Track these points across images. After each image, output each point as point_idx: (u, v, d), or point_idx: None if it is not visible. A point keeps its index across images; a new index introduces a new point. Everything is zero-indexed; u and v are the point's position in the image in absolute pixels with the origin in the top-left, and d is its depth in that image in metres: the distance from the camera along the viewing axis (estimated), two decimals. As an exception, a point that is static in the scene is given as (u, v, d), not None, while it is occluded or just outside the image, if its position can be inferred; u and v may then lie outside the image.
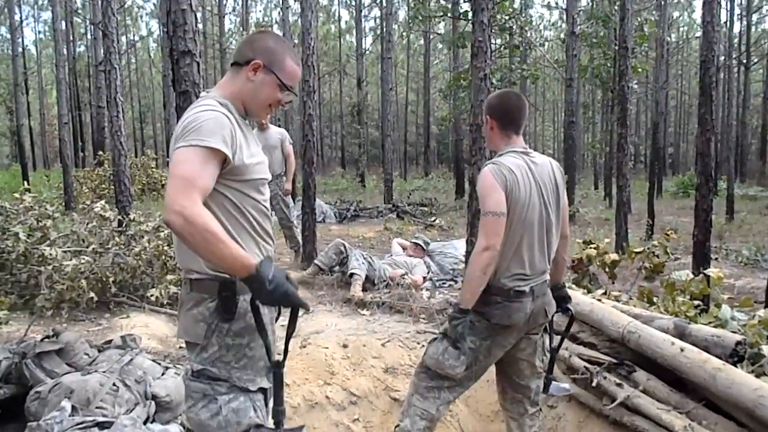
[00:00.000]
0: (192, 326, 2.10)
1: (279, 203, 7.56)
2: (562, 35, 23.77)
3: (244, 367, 2.13)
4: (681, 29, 40.36)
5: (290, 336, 2.18)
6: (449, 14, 16.34)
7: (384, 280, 6.60)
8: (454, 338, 2.92)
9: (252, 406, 2.14)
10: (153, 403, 3.34)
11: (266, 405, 2.23)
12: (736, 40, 26.87)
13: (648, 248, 6.14)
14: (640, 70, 15.64)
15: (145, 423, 3.08)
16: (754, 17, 24.37)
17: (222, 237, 1.91)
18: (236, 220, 2.11)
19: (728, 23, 24.26)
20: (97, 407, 3.09)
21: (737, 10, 26.13)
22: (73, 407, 3.02)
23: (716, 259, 8.74)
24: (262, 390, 2.20)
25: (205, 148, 1.94)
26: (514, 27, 15.85)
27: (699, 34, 7.04)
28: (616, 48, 12.03)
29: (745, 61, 24.05)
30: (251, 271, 1.93)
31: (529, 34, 18.71)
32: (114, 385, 3.26)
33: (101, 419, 2.93)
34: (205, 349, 2.08)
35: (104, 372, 3.35)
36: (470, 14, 5.98)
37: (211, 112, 2.01)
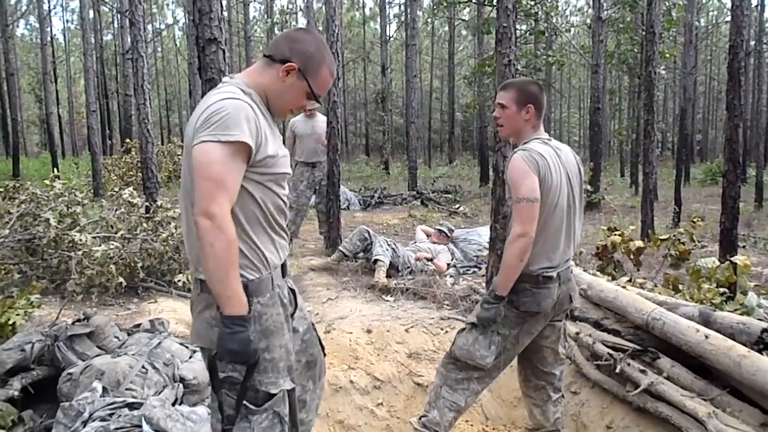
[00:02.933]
0: (205, 331, 2.04)
1: (323, 188, 7.68)
2: (588, 20, 23.49)
3: (265, 370, 2.07)
4: (710, 13, 39.60)
5: (246, 389, 2.05)
6: (474, 0, 16.22)
7: (408, 267, 6.62)
8: (483, 322, 2.93)
9: (279, 421, 2.12)
10: (181, 385, 3.41)
11: (290, 405, 2.19)
12: (767, 25, 26.35)
13: (674, 235, 6.09)
14: (667, 55, 15.43)
15: (173, 405, 3.14)
16: (786, 1, 23.79)
17: (236, 262, 1.91)
18: (255, 217, 2.05)
19: (759, 7, 23.77)
20: (126, 389, 3.16)
21: (769, -6, 25.58)
22: (104, 388, 3.09)
23: (744, 246, 8.64)
24: (284, 392, 2.15)
25: (233, 143, 1.89)
26: (540, 12, 15.71)
27: (729, 18, 6.94)
28: (644, 33, 11.89)
29: (776, 46, 23.54)
30: (242, 311, 1.93)
31: (554, 20, 18.53)
32: (143, 367, 3.33)
33: (131, 400, 3.00)
34: None
35: (133, 355, 3.42)
36: (495, 0, 5.95)
37: (234, 101, 1.94)
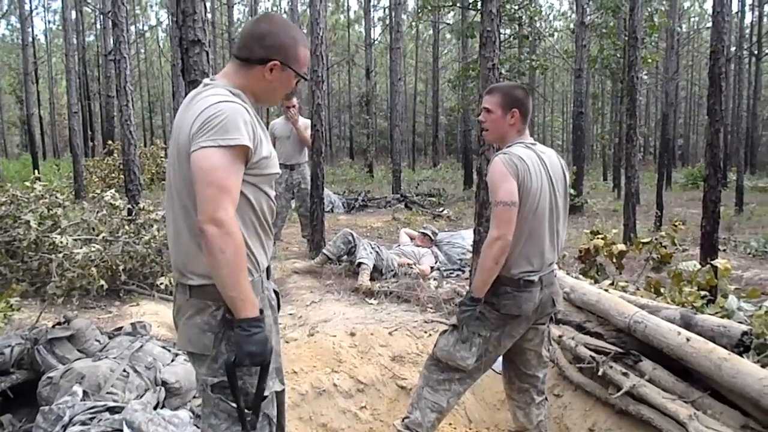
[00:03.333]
0: (197, 337, 2.01)
1: (302, 191, 7.68)
2: (571, 25, 23.67)
3: (256, 372, 2.05)
4: (692, 19, 40.05)
5: (262, 392, 2.05)
6: (458, 4, 16.27)
7: (392, 270, 6.62)
8: (461, 324, 2.95)
9: (268, 423, 2.13)
10: (163, 389, 3.38)
11: (277, 407, 2.21)
12: (747, 31, 26.68)
13: (656, 239, 6.13)
14: (650, 60, 15.56)
15: (155, 408, 3.12)
16: (766, 8, 24.06)
17: (245, 265, 1.91)
18: (249, 219, 2.04)
19: (740, 14, 24.06)
20: (107, 392, 3.13)
21: (749, 0, 25.92)
22: (84, 392, 3.06)
23: (724, 250, 8.73)
24: (273, 394, 2.16)
25: (233, 147, 1.87)
26: (524, 17, 15.80)
27: (710, 24, 7.01)
28: (626, 38, 11.97)
29: (756, 52, 23.80)
30: (256, 312, 1.93)
31: (538, 24, 18.64)
32: (124, 371, 3.30)
33: (112, 404, 2.97)
34: (216, 359, 2.00)
35: (115, 358, 3.40)
36: (479, 4, 5.96)
37: (230, 104, 1.92)
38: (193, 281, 2.01)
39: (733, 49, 20.71)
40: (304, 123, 7.57)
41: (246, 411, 2.04)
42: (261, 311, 1.97)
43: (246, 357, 1.92)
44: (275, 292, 2.30)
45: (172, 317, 2.17)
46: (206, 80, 2.13)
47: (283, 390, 2.26)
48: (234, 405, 2.02)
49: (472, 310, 2.91)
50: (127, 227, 6.14)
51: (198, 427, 3.07)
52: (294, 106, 7.39)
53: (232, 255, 1.84)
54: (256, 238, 2.08)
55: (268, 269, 2.22)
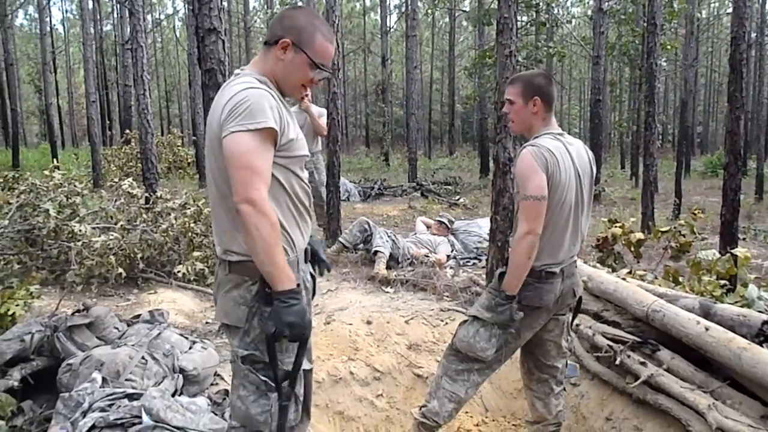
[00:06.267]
0: (233, 309, 2.10)
1: (314, 181, 7.63)
2: (589, 12, 23.41)
3: (286, 350, 2.13)
4: (712, 5, 39.41)
5: (299, 366, 2.14)
6: (475, -9, 16.14)
7: (408, 258, 6.62)
8: (501, 325, 2.91)
9: (295, 401, 2.18)
10: (180, 376, 3.41)
11: (305, 387, 2.27)
12: (768, 16, 26.26)
13: (674, 228, 6.08)
14: (669, 47, 15.39)
15: (173, 395, 3.14)
16: (789, -7, 23.66)
17: (280, 242, 1.99)
18: (282, 200, 2.11)
19: (761, -1, 23.66)
20: (126, 379, 3.16)
21: (771, -15, 25.48)
22: (104, 379, 3.08)
23: (744, 239, 8.64)
24: (302, 371, 2.22)
25: (261, 130, 1.95)
26: (541, 3, 15.64)
27: (730, 10, 6.91)
28: (645, 25, 11.84)
29: (777, 37, 23.46)
30: (292, 285, 2.00)
31: (555, 11, 18.45)
32: (143, 358, 3.33)
33: (130, 391, 2.99)
34: (248, 333, 2.09)
35: (133, 345, 3.42)
36: (496, -9, 5.91)
37: (256, 90, 2.00)
38: (232, 258, 2.11)
39: (753, 35, 20.43)
40: (318, 111, 7.52)
41: (275, 385, 2.12)
42: (298, 284, 2.05)
43: (285, 327, 1.99)
44: (312, 276, 2.37)
45: (213, 292, 2.27)
46: (237, 70, 2.20)
47: (311, 369, 2.35)
48: (263, 378, 2.10)
49: (509, 308, 2.85)
50: (144, 215, 6.18)
51: (216, 414, 3.09)
52: (306, 95, 7.32)
53: (267, 232, 1.93)
54: (291, 219, 2.16)
55: (306, 251, 2.29)
